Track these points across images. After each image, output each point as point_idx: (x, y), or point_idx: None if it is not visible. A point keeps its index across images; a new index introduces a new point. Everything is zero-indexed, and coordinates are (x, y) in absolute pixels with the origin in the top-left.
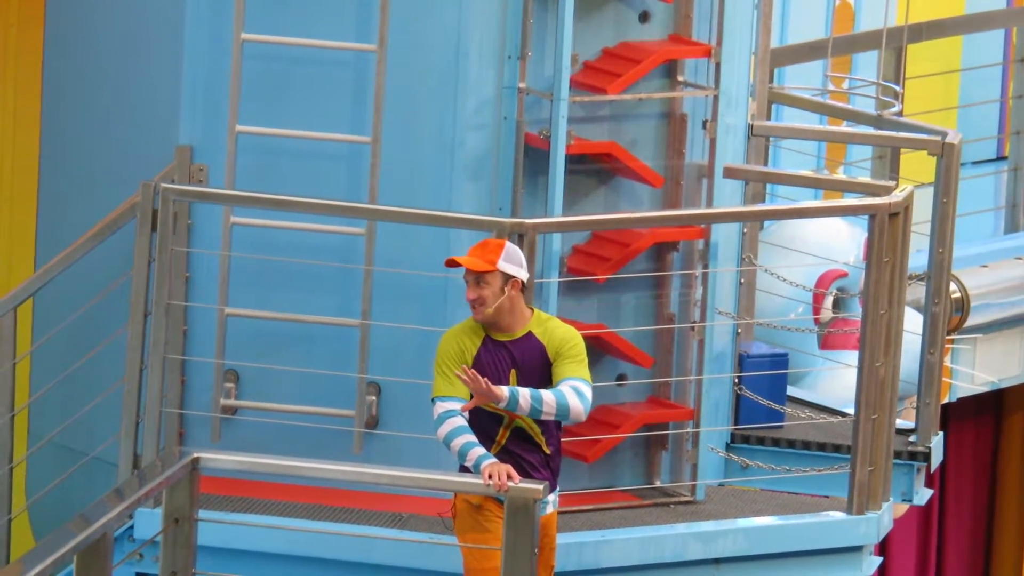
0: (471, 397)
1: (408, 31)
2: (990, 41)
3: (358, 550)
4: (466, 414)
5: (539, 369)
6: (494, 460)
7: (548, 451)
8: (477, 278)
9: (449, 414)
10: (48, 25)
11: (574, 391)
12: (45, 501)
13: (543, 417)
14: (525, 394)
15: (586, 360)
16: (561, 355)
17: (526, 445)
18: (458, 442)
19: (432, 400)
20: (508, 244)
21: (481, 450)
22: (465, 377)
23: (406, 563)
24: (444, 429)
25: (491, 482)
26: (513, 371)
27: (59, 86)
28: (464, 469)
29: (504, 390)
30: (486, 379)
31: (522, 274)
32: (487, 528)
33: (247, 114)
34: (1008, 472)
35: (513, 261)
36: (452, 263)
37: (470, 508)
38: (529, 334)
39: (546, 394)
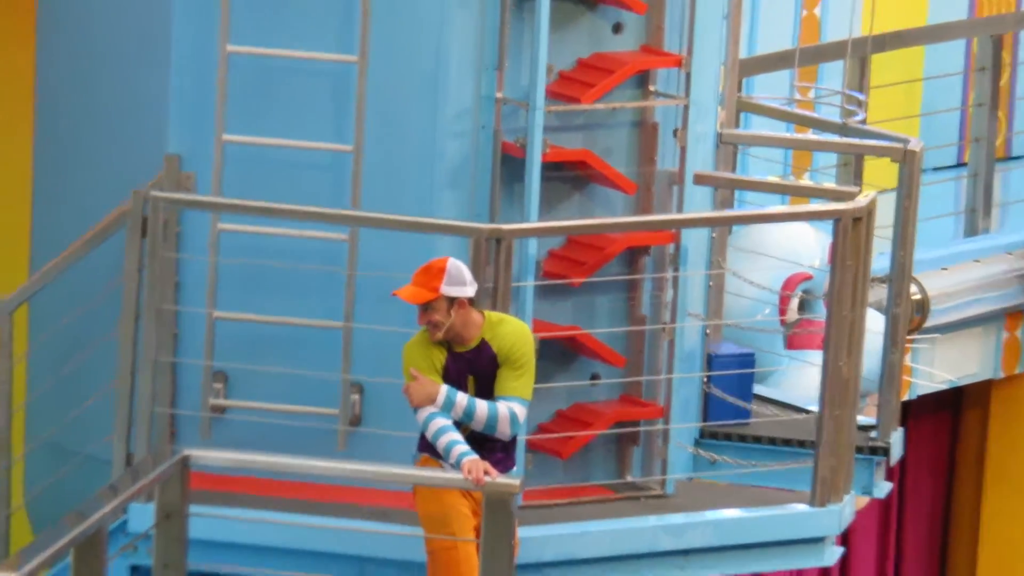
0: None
1: (389, 42)
2: (951, 51)
3: (342, 542)
4: (447, 414)
5: (492, 376)
6: (474, 457)
7: (506, 440)
8: (424, 306)
9: (431, 417)
10: (39, 35)
11: (509, 414)
12: (42, 498)
13: (472, 425)
14: (461, 402)
15: (531, 366)
16: (508, 363)
17: (483, 437)
18: (443, 440)
19: (414, 409)
20: (449, 265)
21: (463, 447)
22: (408, 387)
23: (388, 554)
24: (431, 431)
25: (469, 476)
26: (471, 378)
27: (51, 95)
28: (426, 446)
29: (441, 393)
30: (438, 386)
31: (467, 291)
32: (441, 496)
33: (233, 124)
34: (965, 467)
35: (456, 282)
36: (396, 295)
37: (432, 489)
38: (482, 342)
39: (480, 408)
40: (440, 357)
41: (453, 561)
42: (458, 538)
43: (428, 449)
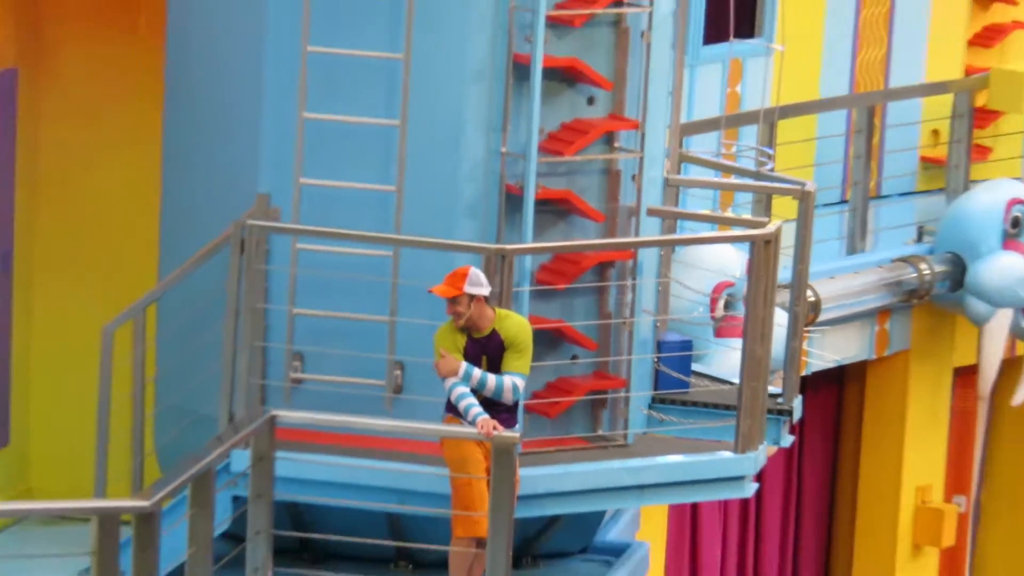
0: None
1: (423, 110)
2: (837, 118)
3: (388, 479)
4: (466, 384)
5: (500, 357)
6: (485, 416)
7: (509, 405)
8: (451, 300)
9: (454, 386)
10: (167, 97)
11: (512, 385)
12: (167, 446)
13: (484, 393)
14: (476, 375)
15: (530, 351)
16: (512, 347)
17: (494, 401)
18: (463, 404)
19: (442, 379)
20: (471, 271)
21: (477, 409)
22: (437, 362)
23: (422, 488)
24: (454, 396)
25: (482, 431)
26: (484, 357)
27: (174, 145)
28: (451, 408)
29: (462, 368)
30: (459, 363)
31: (483, 291)
32: (461, 445)
33: (308, 170)
34: (847, 425)
35: (475, 283)
36: (433, 292)
37: (455, 440)
38: (493, 331)
39: (490, 380)
40: (462, 341)
41: (469, 493)
42: (473, 476)
43: (452, 410)
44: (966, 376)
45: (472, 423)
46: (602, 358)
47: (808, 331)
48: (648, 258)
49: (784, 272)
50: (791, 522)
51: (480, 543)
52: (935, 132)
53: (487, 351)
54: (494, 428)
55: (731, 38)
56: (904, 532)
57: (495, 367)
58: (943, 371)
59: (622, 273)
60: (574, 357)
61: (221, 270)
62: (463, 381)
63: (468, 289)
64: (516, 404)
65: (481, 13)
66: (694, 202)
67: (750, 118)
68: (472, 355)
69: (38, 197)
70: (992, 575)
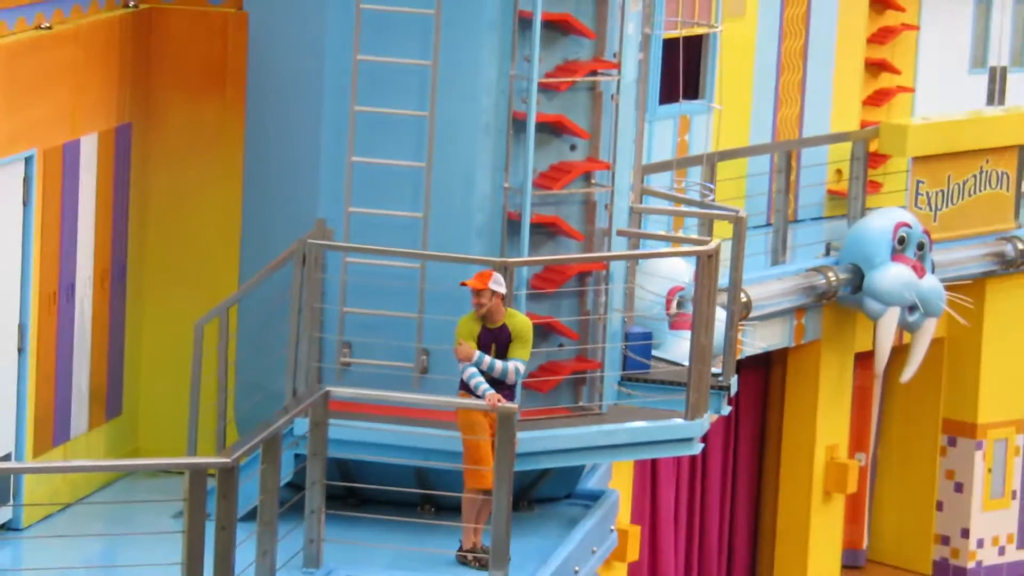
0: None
1: (443, 153)
2: (763, 160)
3: (415, 440)
4: (478, 367)
5: (506, 346)
6: (492, 391)
7: (510, 384)
8: (477, 292)
9: (467, 367)
10: (247, 144)
11: (514, 368)
12: (245, 415)
13: (492, 374)
14: (487, 360)
15: (531, 342)
16: (517, 339)
17: (499, 380)
18: (474, 382)
19: (460, 362)
20: (495, 273)
21: (486, 386)
22: (457, 349)
23: (441, 447)
24: (467, 375)
25: (490, 402)
26: (493, 345)
27: (253, 182)
28: (463, 386)
29: (476, 354)
30: (474, 352)
31: (501, 290)
32: (471, 415)
33: (356, 200)
34: (772, 398)
35: (497, 283)
36: (464, 284)
37: (467, 410)
38: (504, 325)
39: (498, 365)
40: (476, 330)
41: (476, 453)
42: (479, 437)
43: (464, 388)
44: (865, 359)
45: (481, 397)
46: (582, 346)
47: (742, 325)
48: (618, 268)
49: (723, 279)
50: (729, 474)
51: (486, 493)
52: (838, 171)
53: (497, 340)
54: (499, 401)
55: (680, 100)
56: (817, 481)
57: (502, 354)
58: (847, 356)
59: (598, 280)
60: (560, 345)
61: (287, 278)
62: (475, 365)
63: (491, 286)
64: (515, 385)
65: (488, 80)
66: (653, 225)
67: (696, 160)
68: (485, 342)
69: (146, 223)
70: (885, 515)
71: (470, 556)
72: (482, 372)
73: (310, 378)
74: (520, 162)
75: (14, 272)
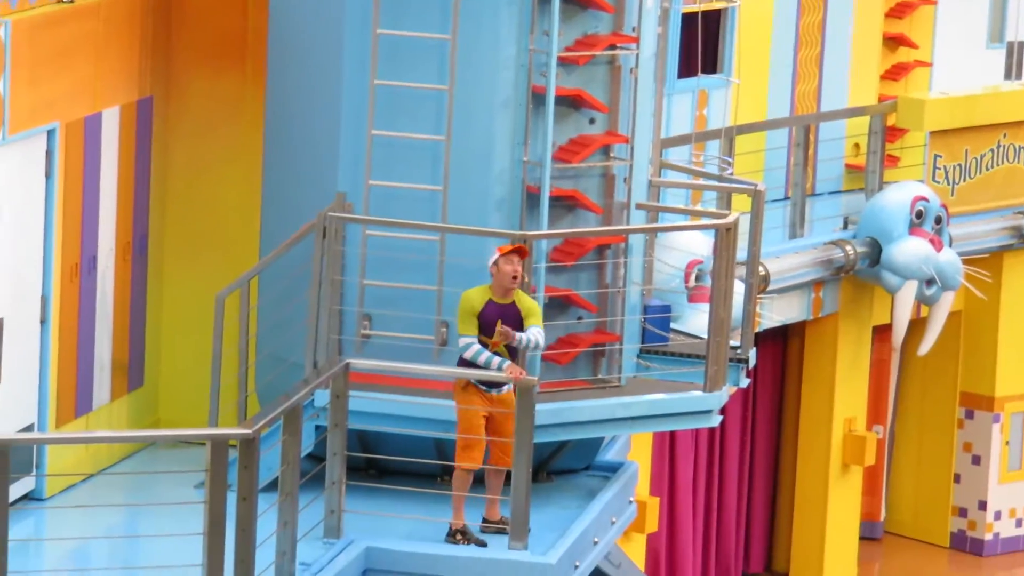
0: (479, 334)
1: (463, 128)
2: (781, 133)
3: (435, 411)
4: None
5: (514, 322)
6: (510, 363)
7: (509, 359)
8: (519, 262)
9: (472, 342)
10: (267, 117)
11: (539, 332)
12: (265, 387)
13: (529, 347)
14: (523, 338)
15: (540, 316)
16: (531, 315)
17: (513, 349)
18: (483, 357)
19: (460, 335)
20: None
21: (499, 359)
22: (502, 329)
23: (447, 417)
24: (473, 350)
25: (512, 374)
26: (499, 320)
27: (273, 155)
28: (464, 364)
29: (517, 336)
30: (513, 332)
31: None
32: (467, 396)
33: (375, 173)
34: (790, 370)
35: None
36: (510, 250)
37: (461, 387)
38: (513, 303)
39: (532, 335)
40: (480, 305)
41: (470, 433)
42: (470, 407)
43: (463, 364)
44: (882, 332)
45: (499, 370)
46: (601, 318)
47: (760, 298)
48: (637, 241)
49: (741, 252)
50: (747, 447)
51: (470, 472)
52: (856, 145)
53: (504, 316)
54: (521, 373)
55: (699, 73)
56: (835, 454)
57: (511, 326)
58: (864, 329)
59: (616, 253)
60: (579, 318)
61: (308, 251)
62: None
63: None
64: (517, 352)
65: (507, 54)
66: (672, 199)
67: (714, 134)
68: (491, 317)
69: (167, 195)
70: (903, 487)
71: (459, 536)
72: (485, 346)
73: (330, 350)
74: (539, 136)
75: (36, 244)
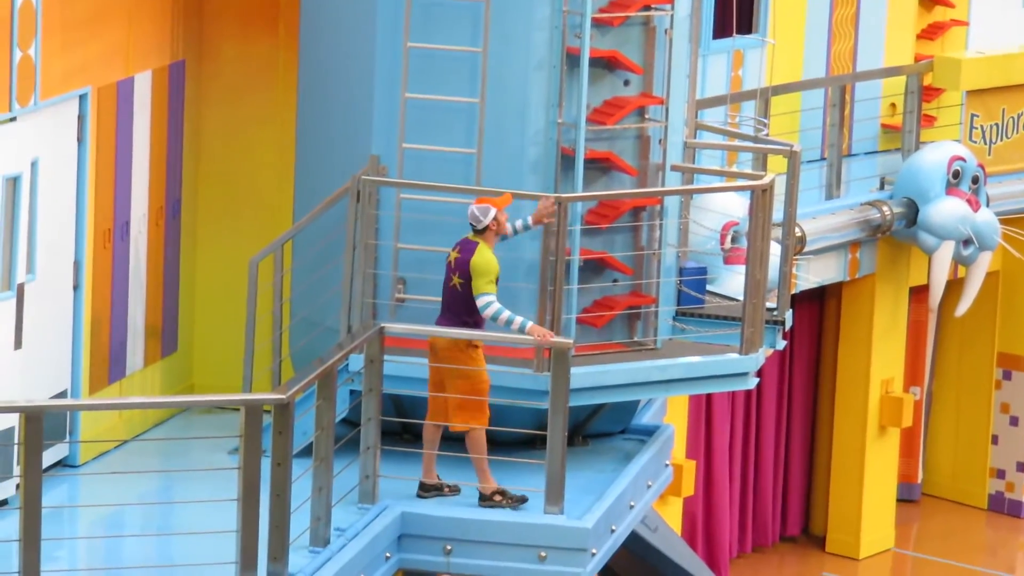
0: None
1: (497, 90)
2: (816, 94)
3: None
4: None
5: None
6: (535, 324)
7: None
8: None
9: (494, 301)
10: (301, 80)
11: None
12: (300, 351)
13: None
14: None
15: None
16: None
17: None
18: (507, 316)
19: (483, 293)
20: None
21: (522, 319)
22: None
23: (497, 382)
24: (499, 309)
25: (540, 337)
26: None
27: (307, 118)
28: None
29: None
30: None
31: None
32: (473, 356)
33: (409, 137)
34: (827, 332)
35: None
36: (506, 200)
37: (469, 344)
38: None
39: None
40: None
41: (478, 394)
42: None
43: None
44: (919, 293)
45: (521, 331)
46: (636, 281)
47: (796, 259)
48: (672, 203)
49: (777, 213)
50: (784, 409)
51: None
52: (893, 105)
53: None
54: (550, 335)
55: (734, 34)
56: (872, 416)
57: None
58: (901, 289)
59: (652, 215)
60: (615, 280)
61: (342, 215)
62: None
63: None
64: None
65: (541, 16)
66: (707, 160)
67: (749, 95)
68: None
69: (200, 159)
70: (940, 449)
71: (497, 497)
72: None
73: (365, 314)
74: (574, 97)
75: (69, 210)
